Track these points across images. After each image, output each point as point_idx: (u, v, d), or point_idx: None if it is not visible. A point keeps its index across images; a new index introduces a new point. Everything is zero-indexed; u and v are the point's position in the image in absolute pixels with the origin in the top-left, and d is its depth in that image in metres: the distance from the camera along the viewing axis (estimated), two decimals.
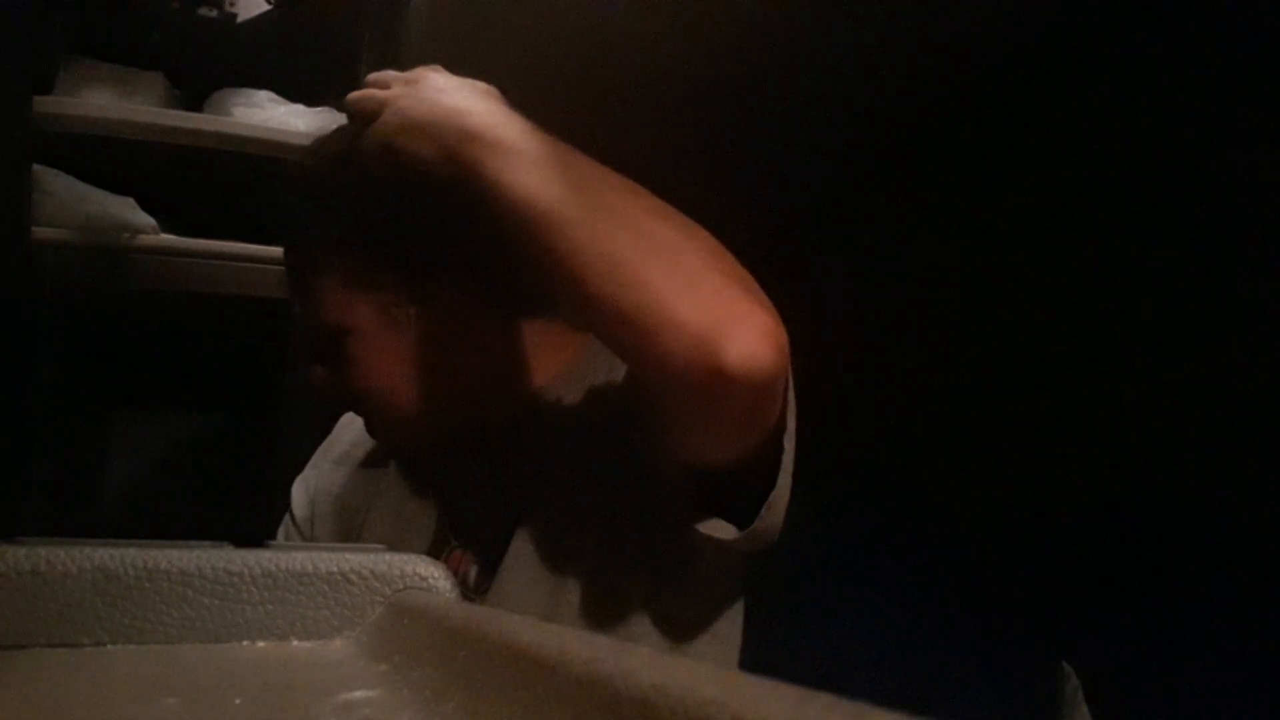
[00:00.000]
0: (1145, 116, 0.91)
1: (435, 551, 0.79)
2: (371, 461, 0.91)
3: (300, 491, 0.93)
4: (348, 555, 0.42)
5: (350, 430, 0.96)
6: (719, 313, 0.59)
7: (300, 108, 1.31)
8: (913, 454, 1.21)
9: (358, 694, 0.31)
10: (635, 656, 0.21)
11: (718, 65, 0.99)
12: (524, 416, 0.82)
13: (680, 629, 0.74)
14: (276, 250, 1.27)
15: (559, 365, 0.84)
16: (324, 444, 0.97)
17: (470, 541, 0.79)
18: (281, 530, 0.93)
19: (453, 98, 0.67)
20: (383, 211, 0.76)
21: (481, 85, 0.70)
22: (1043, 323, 1.02)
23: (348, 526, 0.87)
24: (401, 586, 0.42)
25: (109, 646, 0.38)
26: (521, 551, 0.75)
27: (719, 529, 0.67)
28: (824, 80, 1.02)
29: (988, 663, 0.99)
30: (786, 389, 0.67)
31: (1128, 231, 0.92)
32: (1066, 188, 1.00)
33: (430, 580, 0.43)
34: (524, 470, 0.78)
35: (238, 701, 0.30)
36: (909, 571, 1.15)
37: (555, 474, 0.77)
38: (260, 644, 0.40)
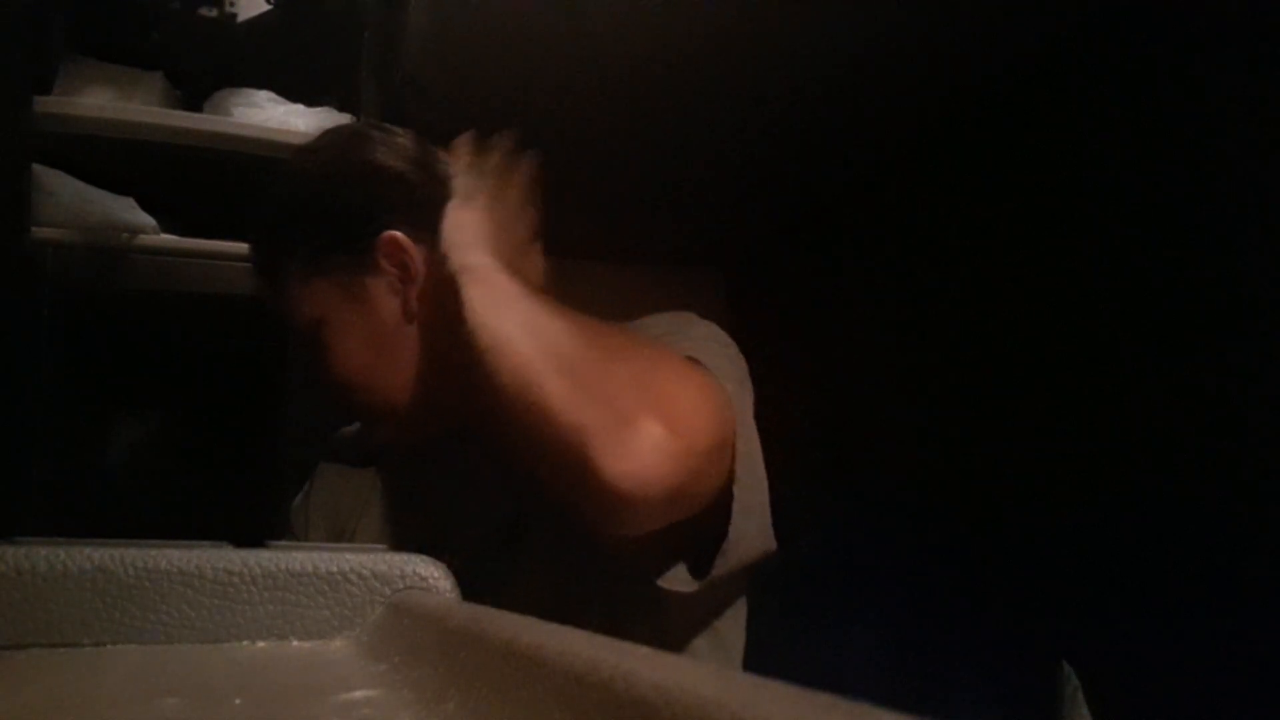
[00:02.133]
0: (1145, 117, 0.90)
1: None
2: (358, 474, 0.92)
3: (298, 508, 0.95)
4: (348, 555, 0.42)
5: (347, 438, 0.97)
6: (600, 429, 0.60)
7: (300, 108, 1.31)
8: (913, 455, 1.21)
9: (358, 694, 0.31)
10: (635, 656, 0.21)
11: (718, 65, 0.99)
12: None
13: (681, 628, 0.74)
14: None
15: None
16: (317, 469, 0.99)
17: (459, 553, 0.79)
18: None
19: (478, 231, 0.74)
20: (320, 194, 0.81)
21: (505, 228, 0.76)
22: (1043, 323, 1.02)
23: (336, 538, 0.88)
24: (401, 586, 0.42)
25: (109, 646, 0.38)
26: (515, 562, 0.75)
27: (678, 581, 0.68)
28: (824, 83, 1.02)
29: (988, 663, 0.99)
30: (729, 449, 0.69)
31: (1128, 231, 0.92)
32: (1067, 188, 1.00)
33: (430, 580, 0.43)
34: (509, 478, 0.79)
35: (238, 701, 0.30)
36: (909, 572, 1.15)
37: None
38: (260, 644, 0.40)
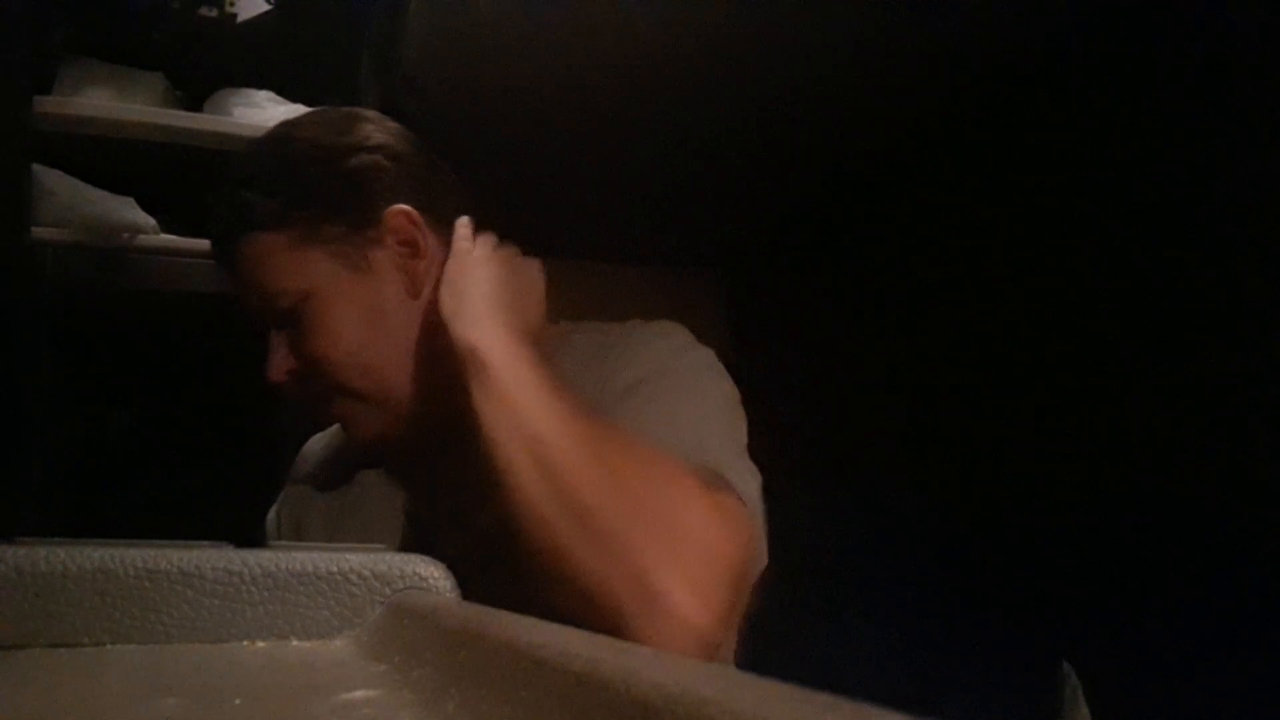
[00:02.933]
0: (1145, 116, 0.90)
1: None
2: (336, 482, 0.89)
3: (272, 522, 0.93)
4: (348, 555, 0.42)
5: (315, 453, 0.95)
6: (632, 604, 0.59)
7: (300, 108, 1.31)
8: (913, 455, 1.21)
9: (358, 694, 0.31)
10: (635, 656, 0.21)
11: (717, 65, 0.99)
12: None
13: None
14: None
15: None
16: (291, 470, 0.96)
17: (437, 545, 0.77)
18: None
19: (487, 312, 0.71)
20: (325, 161, 0.78)
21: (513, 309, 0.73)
22: (1043, 323, 1.02)
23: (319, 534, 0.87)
24: (401, 586, 0.42)
25: (109, 646, 0.38)
26: (495, 573, 0.73)
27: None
28: (823, 84, 1.02)
29: (988, 663, 0.99)
30: (747, 566, 0.68)
31: (1128, 232, 0.92)
32: (1066, 188, 1.00)
33: (430, 580, 0.43)
34: (488, 487, 0.76)
35: (238, 701, 0.30)
36: (909, 572, 1.15)
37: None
38: (260, 644, 0.40)
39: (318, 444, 0.96)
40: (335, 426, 0.97)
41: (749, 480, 0.71)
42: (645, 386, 0.73)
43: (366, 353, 0.76)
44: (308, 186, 0.77)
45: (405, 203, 0.78)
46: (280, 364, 0.78)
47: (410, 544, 0.78)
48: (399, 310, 0.78)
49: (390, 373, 0.77)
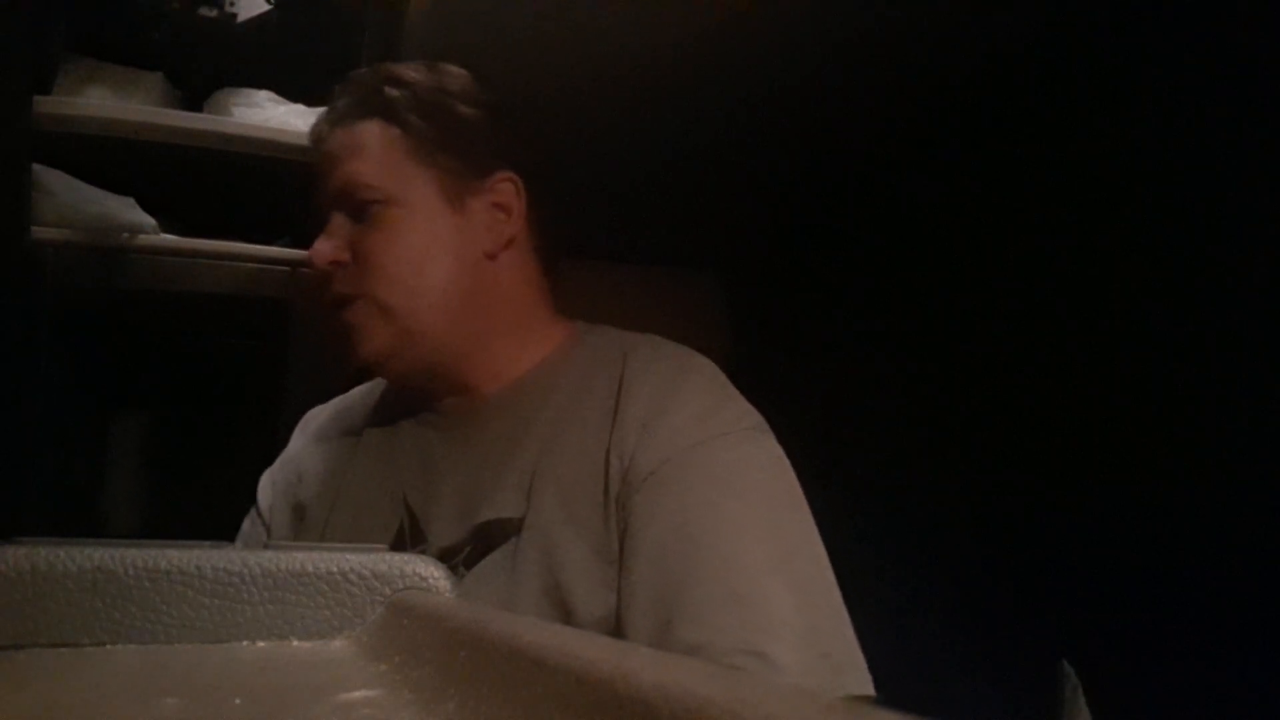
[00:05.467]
0: (1146, 116, 0.91)
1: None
2: (336, 455, 0.88)
3: (266, 485, 0.91)
4: (348, 555, 0.42)
5: (318, 421, 0.94)
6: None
7: (300, 108, 1.31)
8: (912, 456, 1.21)
9: (358, 694, 0.31)
10: (635, 656, 0.21)
11: (718, 67, 0.99)
12: (498, 401, 0.80)
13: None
14: (276, 250, 1.27)
15: (538, 357, 0.83)
16: (292, 437, 0.95)
17: (434, 539, 0.76)
18: (246, 521, 0.91)
19: None
20: (472, 107, 0.82)
21: None
22: (1043, 325, 1.02)
23: (311, 521, 0.84)
24: (401, 586, 0.42)
25: (109, 646, 0.38)
26: (486, 558, 0.72)
27: None
28: (823, 86, 1.02)
29: (988, 663, 0.99)
30: None
31: (1128, 231, 0.92)
32: (1068, 193, 1.00)
33: (430, 580, 0.43)
34: (485, 473, 0.76)
35: (238, 701, 0.30)
36: (908, 572, 1.15)
37: (513, 479, 0.74)
38: (260, 644, 0.40)
39: (321, 414, 0.96)
40: (337, 400, 0.97)
41: (848, 648, 0.68)
42: (673, 476, 0.70)
43: (420, 279, 0.78)
44: (450, 114, 0.80)
45: (516, 172, 0.82)
46: (330, 251, 0.79)
47: (406, 532, 0.77)
48: (469, 258, 0.80)
49: (432, 306, 0.78)
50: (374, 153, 0.79)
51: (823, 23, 0.91)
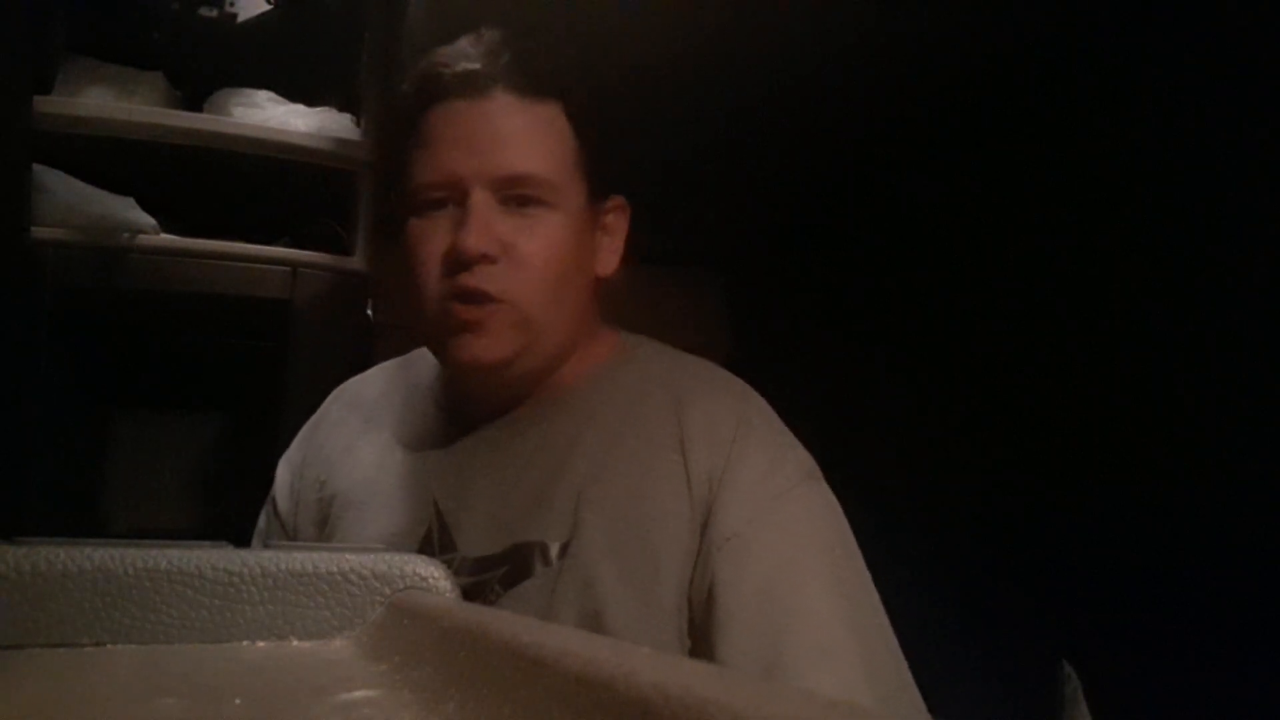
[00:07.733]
0: (1145, 117, 0.90)
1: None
2: (366, 452, 0.83)
3: (284, 482, 0.86)
4: (348, 555, 0.42)
5: (357, 398, 0.89)
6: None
7: (300, 108, 1.31)
8: (913, 455, 1.21)
9: (358, 694, 0.31)
10: (635, 656, 0.21)
11: (719, 67, 0.99)
12: (541, 410, 0.78)
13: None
14: (276, 250, 1.27)
15: (587, 364, 0.80)
16: (311, 421, 0.89)
17: (464, 548, 0.74)
18: (262, 517, 0.87)
19: None
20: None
21: None
22: (1043, 324, 1.02)
23: (338, 516, 0.81)
24: (401, 586, 0.42)
25: (109, 646, 0.38)
26: (526, 581, 0.71)
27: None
28: (823, 86, 1.02)
29: (988, 663, 0.99)
30: None
31: (1128, 232, 0.92)
32: (1068, 192, 1.00)
33: (430, 580, 0.43)
34: (525, 487, 0.74)
35: (238, 701, 0.30)
36: (908, 572, 1.15)
37: (559, 500, 0.72)
38: (260, 644, 0.40)
39: (362, 390, 0.89)
40: (373, 371, 0.91)
41: (907, 687, 0.75)
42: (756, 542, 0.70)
43: (563, 295, 0.74)
44: (604, 143, 0.77)
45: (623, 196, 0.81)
46: (485, 243, 0.70)
47: (435, 537, 0.75)
48: (591, 278, 0.78)
49: (563, 325, 0.75)
50: (551, 146, 0.73)
51: (823, 24, 0.91)
